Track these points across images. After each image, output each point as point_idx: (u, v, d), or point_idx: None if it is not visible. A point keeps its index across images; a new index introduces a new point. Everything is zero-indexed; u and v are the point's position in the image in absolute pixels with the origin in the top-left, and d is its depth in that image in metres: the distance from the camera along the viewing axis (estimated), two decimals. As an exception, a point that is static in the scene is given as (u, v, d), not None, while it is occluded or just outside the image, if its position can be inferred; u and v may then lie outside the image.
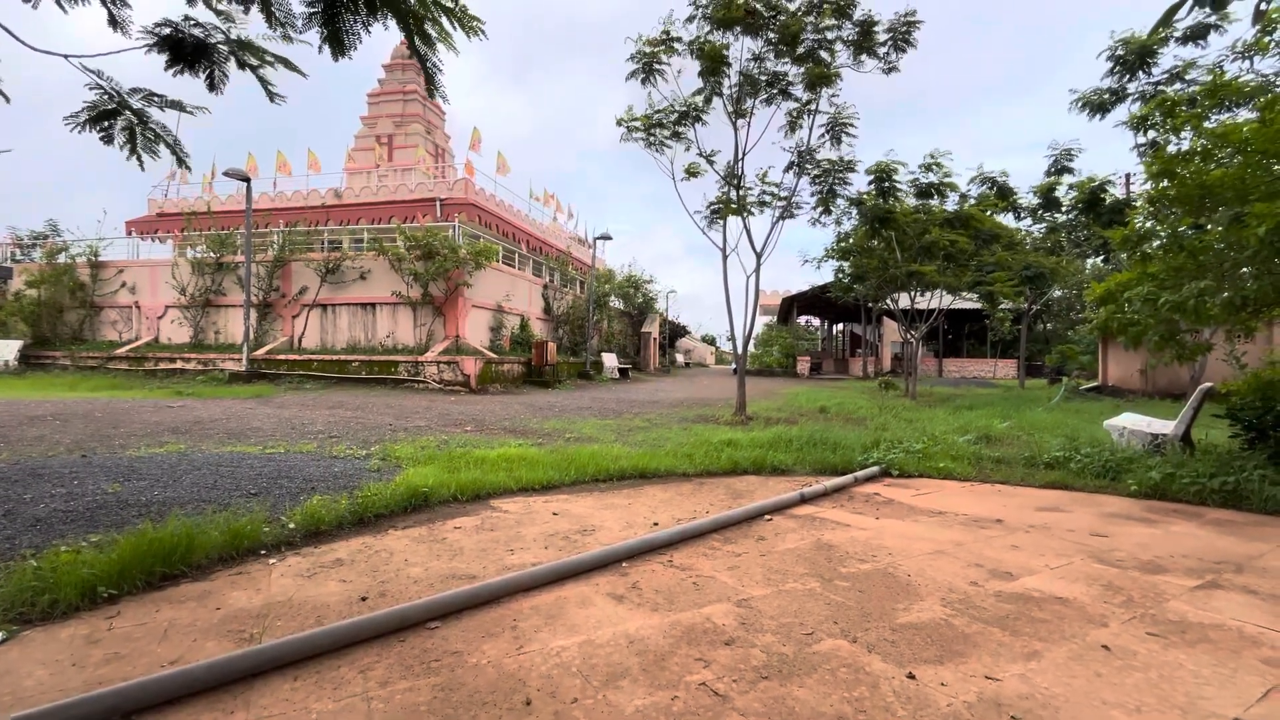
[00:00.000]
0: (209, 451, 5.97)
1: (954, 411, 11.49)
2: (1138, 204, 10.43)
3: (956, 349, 39.20)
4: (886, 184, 13.34)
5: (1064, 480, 5.66)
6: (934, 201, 15.05)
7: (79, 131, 3.30)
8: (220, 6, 3.37)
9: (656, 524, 4.07)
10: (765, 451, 6.48)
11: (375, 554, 3.39)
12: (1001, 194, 17.48)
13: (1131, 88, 13.58)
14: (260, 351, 17.53)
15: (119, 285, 20.74)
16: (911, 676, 2.16)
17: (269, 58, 3.49)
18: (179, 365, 17.80)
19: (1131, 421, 6.72)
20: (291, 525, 3.65)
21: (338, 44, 3.22)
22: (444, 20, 3.24)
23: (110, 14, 3.06)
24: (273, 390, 14.48)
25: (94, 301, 20.82)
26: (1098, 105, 14.02)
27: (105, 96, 3.28)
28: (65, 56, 3.13)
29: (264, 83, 3.57)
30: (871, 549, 3.65)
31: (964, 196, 16.58)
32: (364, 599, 2.76)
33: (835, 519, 4.35)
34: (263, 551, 3.35)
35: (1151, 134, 12.05)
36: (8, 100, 3.22)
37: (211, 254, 19.31)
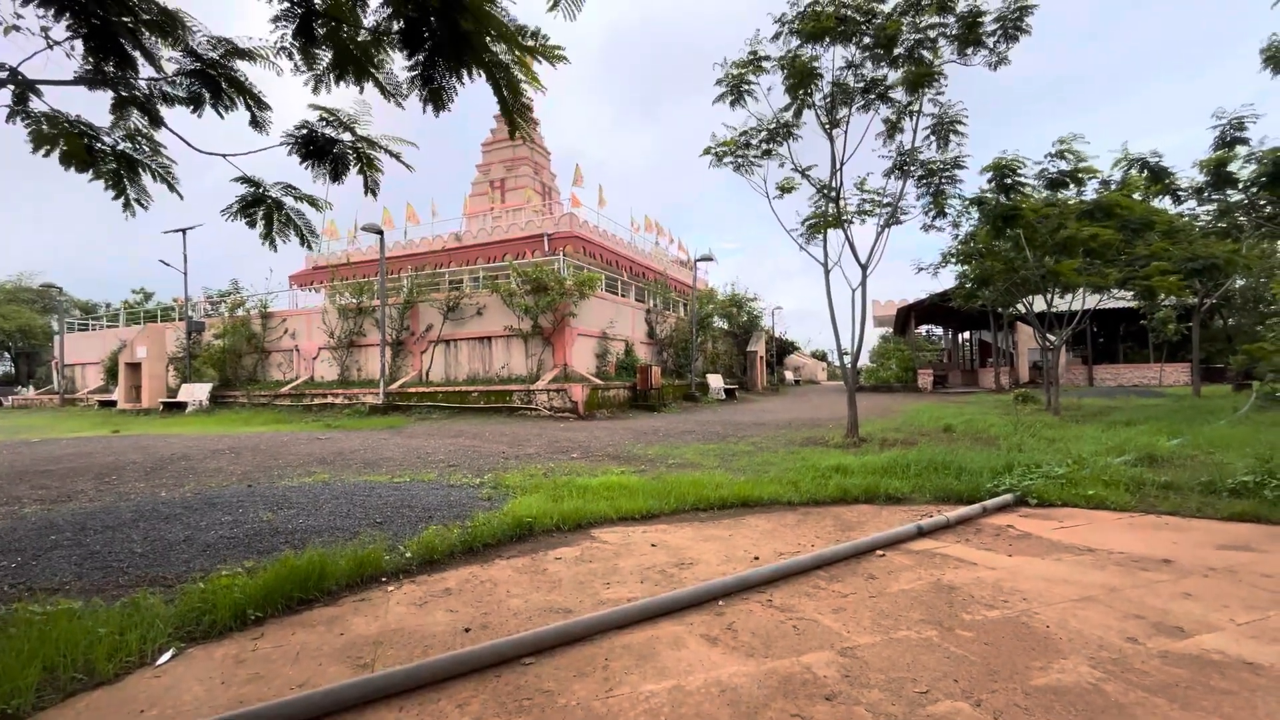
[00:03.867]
0: (347, 481, 6.62)
1: (1107, 428, 10.09)
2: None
3: (1110, 353, 34.61)
4: (1008, 180, 12.20)
5: (1255, 511, 4.74)
6: (1070, 192, 13.52)
7: (231, 220, 3.91)
8: (343, 114, 3.83)
9: (757, 558, 3.91)
10: (879, 478, 6.05)
11: (481, 584, 3.54)
12: (1154, 176, 15.34)
13: None
14: (394, 385, 19.32)
15: (282, 332, 23.87)
16: (1047, 753, 1.87)
17: (384, 152, 3.95)
18: (329, 400, 20.05)
19: (1349, 438, 5.52)
20: (409, 554, 3.92)
21: (438, 101, 3.54)
22: (527, 59, 3.46)
23: (252, 115, 3.62)
24: (404, 421, 15.85)
25: (264, 347, 24.11)
26: None
27: (251, 188, 3.85)
28: (224, 156, 3.72)
29: (367, 181, 4.02)
30: (1002, 593, 3.25)
31: (1106, 183, 14.75)
32: (467, 630, 2.89)
33: (958, 556, 3.94)
34: (383, 579, 3.62)
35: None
36: (181, 198, 3.88)
37: (353, 300, 21.70)
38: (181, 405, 21.51)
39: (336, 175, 4.00)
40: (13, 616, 2.82)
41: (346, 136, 4.02)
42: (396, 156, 4.22)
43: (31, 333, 44.77)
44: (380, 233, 18.31)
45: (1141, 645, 2.61)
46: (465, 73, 3.41)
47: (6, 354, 47.90)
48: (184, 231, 24.25)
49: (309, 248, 4.32)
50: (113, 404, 24.56)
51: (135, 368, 24.18)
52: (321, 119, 3.92)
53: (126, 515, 5.02)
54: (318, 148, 3.95)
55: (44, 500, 5.91)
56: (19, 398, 32.76)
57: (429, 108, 3.77)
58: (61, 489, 6.51)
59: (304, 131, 3.92)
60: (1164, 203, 16.17)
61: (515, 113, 3.81)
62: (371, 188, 4.12)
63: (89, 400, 27.39)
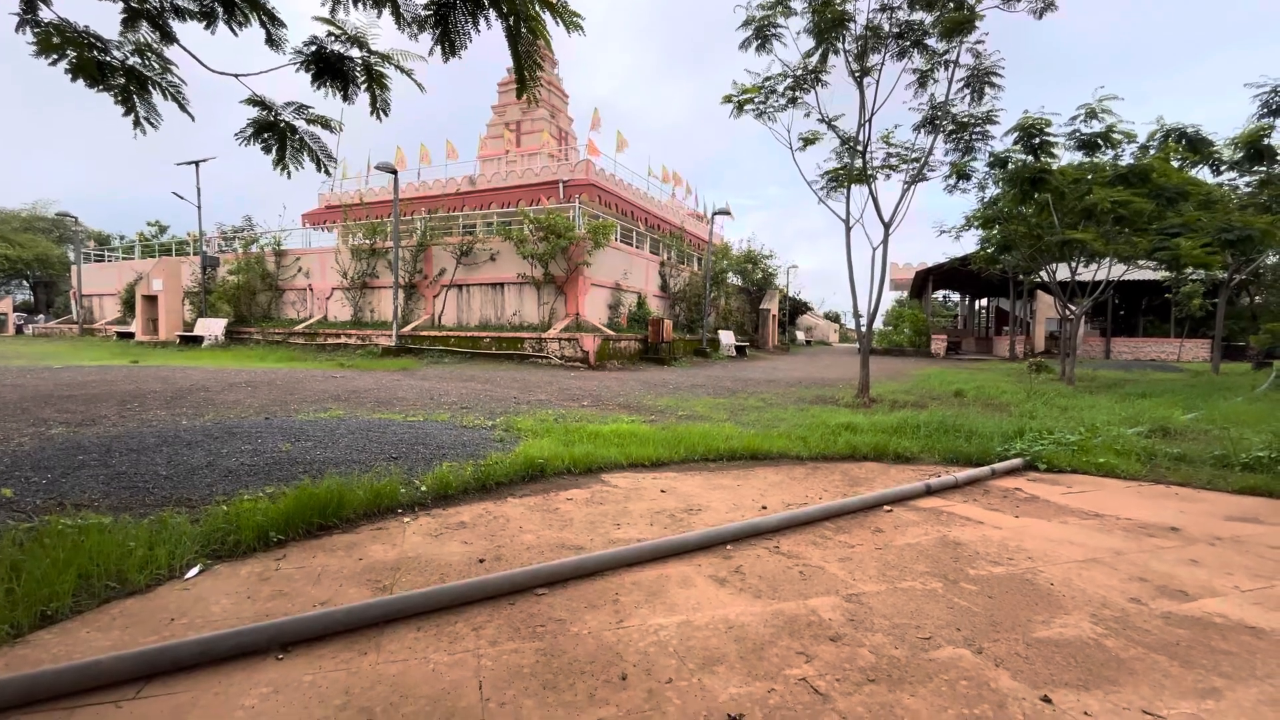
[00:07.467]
0: (361, 418, 6.72)
1: (1121, 399, 10.02)
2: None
3: (1130, 327, 34.03)
4: (1036, 140, 11.72)
5: (1267, 485, 4.72)
6: (1106, 156, 12.99)
7: (245, 145, 3.83)
8: (358, 18, 3.68)
9: (765, 508, 3.96)
10: (888, 437, 6.07)
11: (494, 519, 3.63)
12: (1192, 147, 14.67)
13: None
14: (406, 328, 19.41)
15: (296, 270, 23.89)
16: (1047, 700, 1.92)
17: (395, 68, 3.80)
18: (342, 340, 20.21)
19: (1371, 418, 5.43)
20: (424, 488, 4.01)
21: (449, 45, 3.40)
22: (545, 15, 3.30)
23: (268, 33, 3.49)
24: (416, 363, 16.00)
25: (278, 285, 24.19)
26: None
27: (263, 111, 3.76)
28: (236, 76, 3.62)
29: (375, 99, 3.89)
30: (1007, 550, 3.29)
31: (1145, 148, 14.15)
32: (481, 561, 2.97)
33: (965, 514, 3.97)
34: (399, 510, 3.72)
35: None
36: (192, 118, 3.79)
37: (366, 241, 21.56)
38: (198, 339, 21.79)
39: (347, 93, 3.89)
40: (47, 528, 2.92)
41: (356, 52, 3.88)
42: (408, 73, 4.06)
43: (48, 262, 45.13)
44: (394, 172, 18.01)
45: (1144, 606, 2.64)
46: (480, 14, 3.26)
47: (25, 282, 48.44)
48: (197, 164, 23.99)
49: (326, 173, 4.24)
50: (130, 335, 24.91)
51: (152, 300, 24.39)
52: (330, 34, 3.78)
53: (150, 440, 5.15)
54: (328, 65, 3.82)
55: (69, 423, 6.07)
56: (40, 326, 33.32)
57: (439, 49, 3.63)
58: (86, 413, 6.67)
59: (313, 48, 3.78)
60: (1202, 173, 15.53)
61: (526, 67, 3.66)
62: (381, 107, 4.00)
63: (107, 331, 27.81)
